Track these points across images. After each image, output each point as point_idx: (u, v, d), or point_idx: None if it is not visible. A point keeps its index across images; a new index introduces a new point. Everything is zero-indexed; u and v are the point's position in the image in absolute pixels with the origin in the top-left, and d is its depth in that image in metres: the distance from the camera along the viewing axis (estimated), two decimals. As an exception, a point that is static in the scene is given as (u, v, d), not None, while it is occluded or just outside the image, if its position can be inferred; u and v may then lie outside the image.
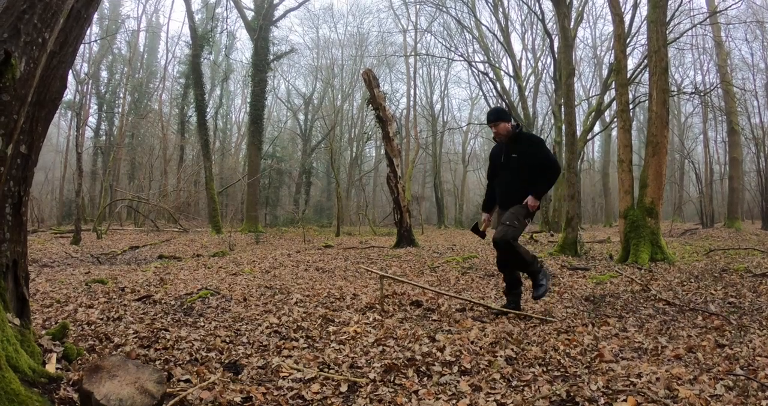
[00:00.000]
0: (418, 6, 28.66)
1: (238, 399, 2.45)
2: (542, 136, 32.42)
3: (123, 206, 24.04)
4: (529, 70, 30.62)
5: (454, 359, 3.07)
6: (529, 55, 32.08)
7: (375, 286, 5.96)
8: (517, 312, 4.41)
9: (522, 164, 4.48)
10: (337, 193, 24.24)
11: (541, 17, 21.97)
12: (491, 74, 25.34)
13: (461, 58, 26.32)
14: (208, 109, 26.95)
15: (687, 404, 2.36)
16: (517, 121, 4.84)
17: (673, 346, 3.43)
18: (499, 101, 27.31)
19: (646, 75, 14.01)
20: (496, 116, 4.63)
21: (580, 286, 6.23)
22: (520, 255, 4.37)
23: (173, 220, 22.19)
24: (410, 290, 5.49)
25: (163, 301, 4.78)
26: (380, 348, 3.32)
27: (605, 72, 23.35)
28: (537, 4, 22.42)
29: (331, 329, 3.79)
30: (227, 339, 3.49)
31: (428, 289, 5.23)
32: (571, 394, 2.52)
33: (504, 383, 2.73)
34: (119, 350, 3.15)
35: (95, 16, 2.94)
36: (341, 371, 2.87)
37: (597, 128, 27.40)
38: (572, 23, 19.02)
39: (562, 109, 13.38)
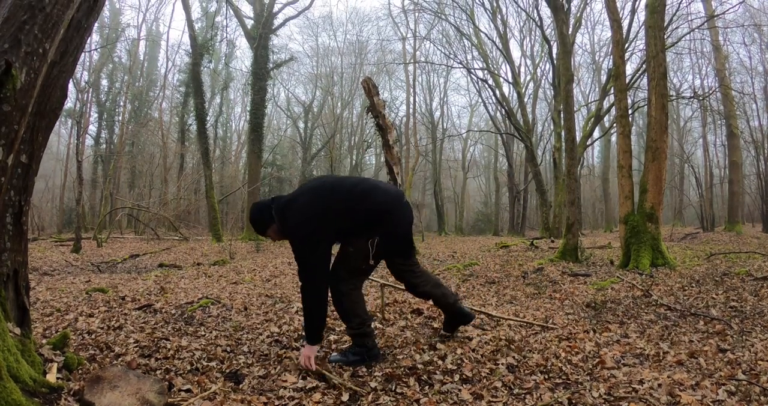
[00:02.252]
0: (417, 14, 28.79)
1: (239, 409, 2.44)
2: (542, 142, 32.55)
3: (123, 215, 24.02)
4: (528, 77, 30.76)
5: (456, 367, 3.06)
6: (528, 62, 32.27)
7: (376, 294, 5.96)
8: (518, 320, 4.39)
9: None
10: (337, 200, 24.17)
11: (539, 24, 22.07)
12: (490, 81, 25.42)
13: (460, 66, 26.40)
14: (208, 118, 26.99)
15: (690, 411, 2.36)
16: (279, 210, 3.12)
17: (674, 351, 3.42)
18: (499, 108, 27.40)
19: (645, 80, 14.07)
20: (257, 228, 3.28)
21: (581, 292, 6.22)
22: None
23: (173, 228, 22.18)
24: (411, 299, 5.48)
25: (163, 310, 4.77)
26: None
27: (604, 78, 23.42)
28: (535, 11, 22.55)
29: (332, 337, 3.79)
30: (228, 349, 3.48)
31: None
32: (573, 401, 2.52)
33: (505, 391, 2.72)
34: (120, 359, 3.14)
35: (95, 24, 2.96)
36: (342, 381, 2.87)
37: (596, 134, 27.46)
38: (570, 29, 19.11)
39: (561, 115, 13.41)
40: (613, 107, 15.27)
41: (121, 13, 32.73)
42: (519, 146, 32.64)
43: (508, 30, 26.34)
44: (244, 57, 49.98)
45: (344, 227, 3.11)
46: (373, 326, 3.35)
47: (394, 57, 35.14)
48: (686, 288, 6.16)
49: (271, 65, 23.52)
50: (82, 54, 2.99)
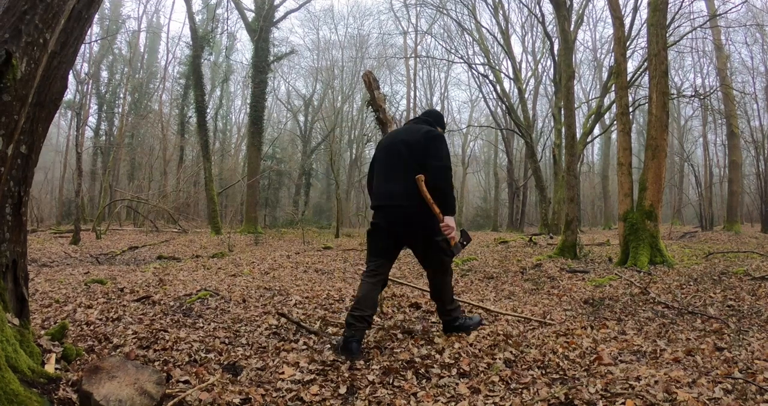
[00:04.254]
0: (418, 8, 28.71)
1: (237, 400, 2.45)
2: (542, 139, 32.53)
3: (122, 206, 24.03)
4: (529, 73, 30.69)
5: (453, 361, 3.07)
6: (529, 58, 32.18)
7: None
8: (516, 315, 4.40)
9: None
10: (336, 194, 24.19)
11: (541, 20, 22.00)
12: (491, 77, 25.35)
13: (461, 61, 26.31)
14: (208, 110, 26.89)
15: (685, 408, 2.36)
16: None
17: (671, 349, 3.43)
18: (499, 103, 27.33)
19: (646, 78, 14.03)
20: None
21: (579, 289, 6.23)
22: None
23: (172, 220, 22.18)
24: (409, 292, 5.49)
25: (162, 302, 4.77)
26: (379, 350, 3.32)
27: (605, 75, 23.35)
28: (537, 7, 22.48)
29: (330, 330, 3.79)
30: (226, 340, 3.49)
31: (427, 291, 5.22)
32: (570, 397, 2.52)
33: (503, 386, 2.73)
34: (118, 350, 3.15)
35: (96, 16, 2.94)
36: (340, 373, 2.87)
37: (597, 131, 27.47)
38: (572, 26, 19.04)
39: (562, 111, 13.38)
40: (614, 105, 15.24)
41: (122, 4, 32.61)
42: (519, 142, 32.61)
43: (509, 26, 26.24)
44: (244, 49, 49.98)
45: None
46: (359, 325, 3.28)
47: (395, 51, 35.13)
48: (684, 286, 6.17)
49: (271, 58, 23.45)
50: (83, 45, 2.98)
